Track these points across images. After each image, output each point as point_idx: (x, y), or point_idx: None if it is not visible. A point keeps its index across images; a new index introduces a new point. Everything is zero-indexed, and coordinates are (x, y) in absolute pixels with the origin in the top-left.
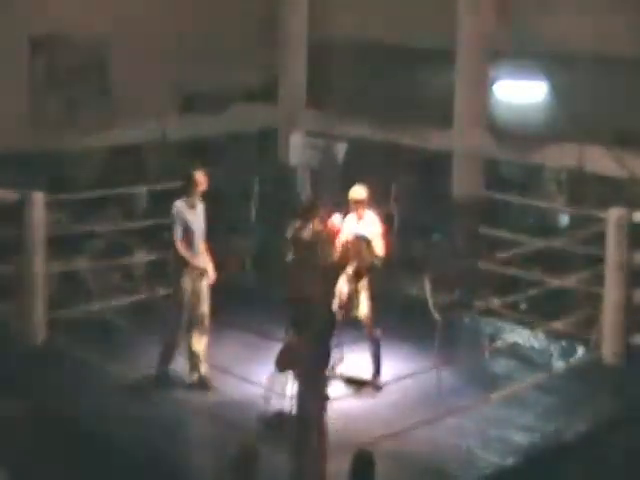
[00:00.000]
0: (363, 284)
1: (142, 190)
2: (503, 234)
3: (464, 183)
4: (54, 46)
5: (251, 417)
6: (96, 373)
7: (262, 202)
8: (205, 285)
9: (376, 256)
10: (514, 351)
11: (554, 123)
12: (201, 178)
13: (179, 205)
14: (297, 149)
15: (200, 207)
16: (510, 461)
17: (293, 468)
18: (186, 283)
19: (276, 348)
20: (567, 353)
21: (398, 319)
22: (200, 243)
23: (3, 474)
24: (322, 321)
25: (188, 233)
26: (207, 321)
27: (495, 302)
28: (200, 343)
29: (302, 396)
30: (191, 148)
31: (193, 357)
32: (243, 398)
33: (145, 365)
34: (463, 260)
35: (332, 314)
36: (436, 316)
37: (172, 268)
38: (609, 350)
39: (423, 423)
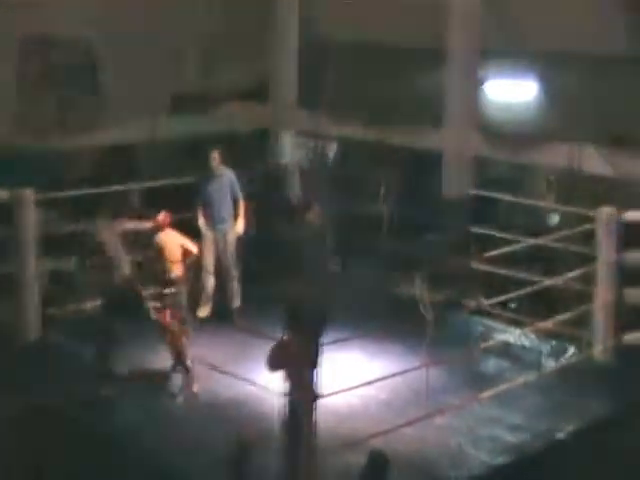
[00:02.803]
0: None
1: (134, 188)
2: (494, 233)
3: (454, 182)
4: (47, 46)
5: (248, 416)
6: (90, 371)
7: (253, 201)
8: None
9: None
10: (505, 350)
11: (544, 122)
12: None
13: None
14: (288, 148)
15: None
16: (500, 460)
17: (284, 467)
18: None
19: (267, 347)
20: (558, 352)
21: (389, 318)
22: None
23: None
24: (313, 320)
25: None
26: None
27: (486, 301)
28: None
29: (292, 395)
30: (183, 147)
31: None
32: (235, 397)
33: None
34: (454, 259)
35: (323, 313)
36: (427, 315)
37: None
38: (600, 349)
39: (413, 422)
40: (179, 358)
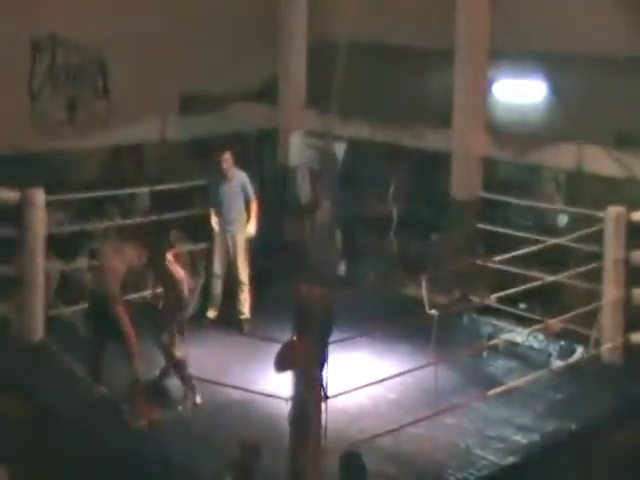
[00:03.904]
0: None
1: (144, 190)
2: (502, 234)
3: (463, 183)
4: (54, 47)
5: (256, 418)
6: (89, 374)
7: (262, 202)
8: None
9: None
10: (513, 350)
11: (553, 123)
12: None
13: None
14: (297, 149)
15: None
16: (509, 460)
17: (291, 467)
18: None
19: (275, 348)
20: (566, 351)
21: (396, 318)
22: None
23: (3, 473)
24: (321, 320)
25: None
26: None
27: (493, 301)
28: None
29: (301, 395)
30: (191, 149)
31: None
32: (242, 398)
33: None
34: (462, 259)
35: (331, 313)
36: (435, 314)
37: None
38: (608, 348)
39: (421, 421)
40: (180, 371)
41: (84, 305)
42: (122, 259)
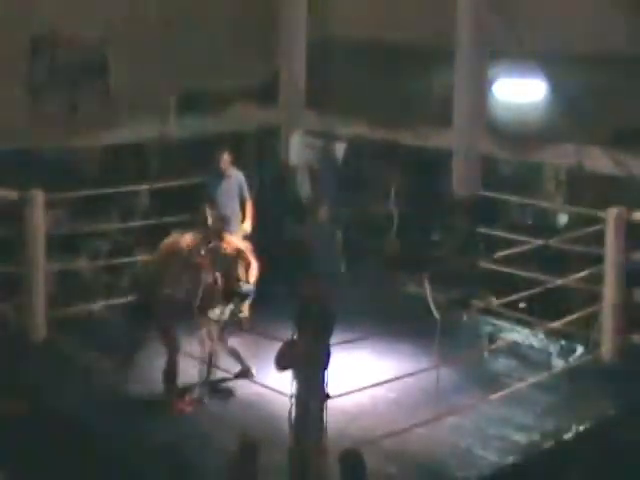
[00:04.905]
0: None
1: (143, 189)
2: (502, 233)
3: (463, 182)
4: (54, 46)
5: (251, 417)
6: (96, 372)
7: (261, 202)
8: None
9: None
10: (513, 350)
11: (553, 122)
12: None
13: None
14: (297, 149)
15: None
16: (509, 460)
17: (292, 467)
18: None
19: (276, 347)
20: (566, 352)
21: (398, 318)
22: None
23: (3, 474)
24: (321, 319)
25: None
26: None
27: (494, 301)
28: None
29: (301, 395)
30: (191, 148)
31: None
32: (243, 397)
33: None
34: (462, 259)
35: (332, 312)
36: (436, 315)
37: None
38: (608, 349)
39: (422, 422)
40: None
41: (85, 305)
42: (171, 254)
